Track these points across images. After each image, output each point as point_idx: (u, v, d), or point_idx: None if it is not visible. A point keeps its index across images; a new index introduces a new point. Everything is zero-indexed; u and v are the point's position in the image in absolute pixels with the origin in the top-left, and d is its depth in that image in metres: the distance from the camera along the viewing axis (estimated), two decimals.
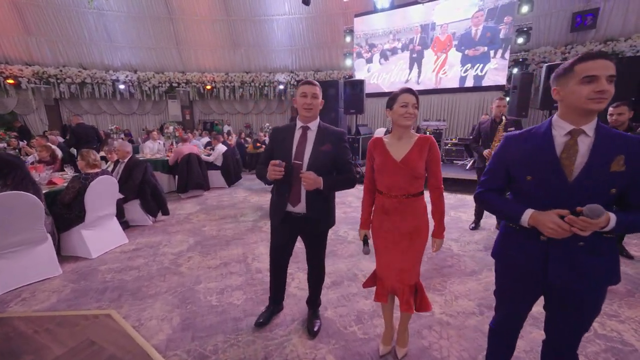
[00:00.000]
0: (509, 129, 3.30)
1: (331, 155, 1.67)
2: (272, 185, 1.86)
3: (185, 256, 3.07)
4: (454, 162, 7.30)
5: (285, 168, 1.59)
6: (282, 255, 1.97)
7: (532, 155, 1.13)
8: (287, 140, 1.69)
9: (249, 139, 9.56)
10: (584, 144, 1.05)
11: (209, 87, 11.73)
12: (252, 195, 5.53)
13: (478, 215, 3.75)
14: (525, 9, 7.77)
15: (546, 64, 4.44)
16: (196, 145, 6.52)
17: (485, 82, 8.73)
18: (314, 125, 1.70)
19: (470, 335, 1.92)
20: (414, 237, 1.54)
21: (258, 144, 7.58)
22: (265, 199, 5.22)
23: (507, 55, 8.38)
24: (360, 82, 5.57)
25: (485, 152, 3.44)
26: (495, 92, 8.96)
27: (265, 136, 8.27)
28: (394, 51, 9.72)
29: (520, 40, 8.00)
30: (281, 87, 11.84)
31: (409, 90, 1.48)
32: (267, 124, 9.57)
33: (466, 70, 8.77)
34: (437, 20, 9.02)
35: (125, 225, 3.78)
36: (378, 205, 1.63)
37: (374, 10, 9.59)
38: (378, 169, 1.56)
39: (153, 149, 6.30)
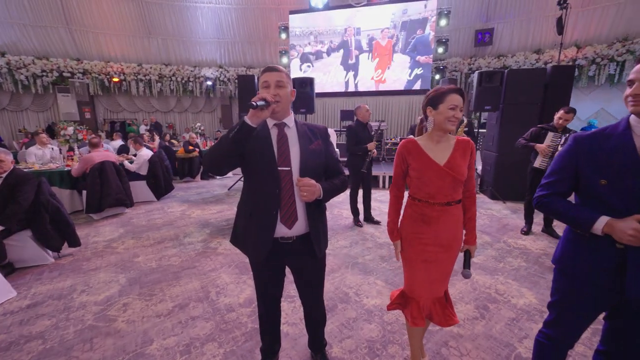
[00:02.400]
0: (464, 129, 3.50)
1: (322, 154, 1.35)
2: (246, 201, 1.33)
3: (118, 304, 2.25)
4: None
5: (270, 176, 1.24)
6: (276, 302, 1.51)
7: (609, 157, 1.01)
8: (263, 141, 1.26)
9: (175, 142, 8.26)
10: None
11: (116, 79, 9.75)
12: (192, 209, 4.67)
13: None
14: (443, 22, 8.73)
15: (478, 71, 4.95)
16: (108, 150, 5.20)
17: (415, 86, 9.53)
18: (289, 121, 1.31)
19: (486, 345, 1.83)
20: (453, 248, 1.40)
21: (191, 147, 6.55)
22: (211, 212, 4.46)
23: (430, 61, 9.31)
24: (310, 80, 5.29)
25: None
26: (422, 96, 9.89)
27: (198, 137, 7.23)
28: (327, 52, 9.79)
29: (440, 49, 8.97)
30: (209, 83, 10.66)
31: (458, 91, 1.29)
32: (199, 124, 8.42)
33: (409, 74, 9.41)
34: (362, 26, 9.44)
35: (10, 269, 2.64)
36: (415, 215, 1.40)
37: (309, 9, 9.43)
38: (418, 175, 1.35)
39: (43, 157, 4.75)
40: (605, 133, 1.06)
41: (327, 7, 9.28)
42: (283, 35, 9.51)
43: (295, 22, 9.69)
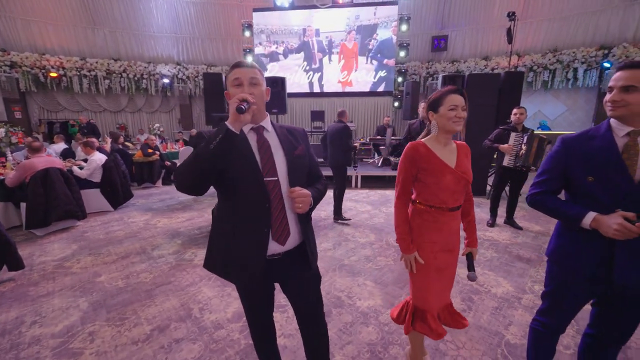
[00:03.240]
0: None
1: (307, 159, 1.23)
2: (224, 217, 1.14)
3: (83, 333, 1.95)
4: (364, 160, 7.88)
5: (257, 189, 1.07)
6: (269, 321, 1.32)
7: (596, 156, 1.11)
8: (242, 150, 1.08)
9: (129, 144, 7.53)
10: (639, 145, 1.08)
11: (54, 74, 8.61)
12: (157, 218, 4.28)
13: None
14: (404, 27, 9.14)
15: (442, 74, 5.25)
16: (51, 155, 4.55)
17: (379, 88, 9.85)
18: (267, 124, 1.16)
19: (477, 335, 1.92)
20: (456, 251, 1.43)
21: (150, 150, 6.00)
22: (179, 220, 4.12)
23: (392, 64, 9.70)
24: (282, 80, 5.15)
25: None
26: (386, 98, 10.25)
27: (157, 140, 6.67)
28: (292, 51, 9.70)
29: (402, 53, 9.39)
30: (165, 80, 9.92)
31: (457, 91, 1.30)
32: (157, 125, 7.76)
33: (374, 76, 9.66)
34: (320, 27, 9.54)
35: None
36: (427, 224, 1.37)
37: (274, 8, 9.25)
38: (434, 181, 1.31)
39: None
40: (589, 134, 1.15)
41: (293, 7, 9.18)
42: (247, 33, 9.20)
43: (263, 19, 9.44)
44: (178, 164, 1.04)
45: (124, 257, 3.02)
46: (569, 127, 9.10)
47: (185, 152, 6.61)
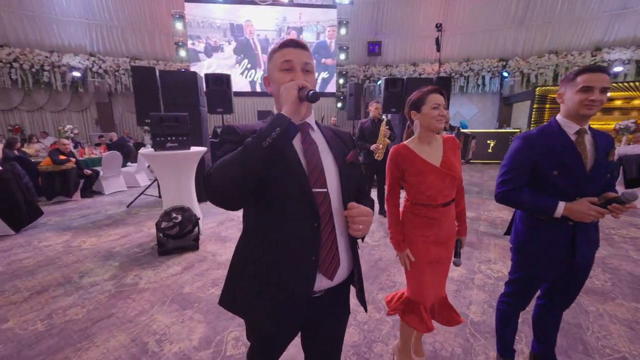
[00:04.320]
0: (386, 127, 3.88)
1: (359, 169, 1.02)
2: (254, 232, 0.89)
3: None
4: None
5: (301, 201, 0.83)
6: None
7: (558, 153, 1.25)
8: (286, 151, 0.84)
9: (28, 151, 6.13)
10: (587, 141, 1.28)
11: None
12: (81, 237, 3.56)
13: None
14: (343, 31, 9.49)
15: (384, 77, 5.58)
16: None
17: (321, 90, 10.03)
18: (312, 121, 0.95)
19: None
20: (450, 244, 1.47)
21: (62, 157, 4.98)
22: (112, 238, 3.50)
23: (334, 66, 9.99)
24: (227, 77, 4.80)
25: (373, 146, 3.90)
26: (330, 98, 10.50)
27: (70, 144, 5.58)
28: (219, 48, 9.17)
29: (342, 56, 9.75)
30: (76, 74, 8.41)
31: (437, 90, 1.35)
32: (70, 126, 6.48)
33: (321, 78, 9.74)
34: (255, 25, 9.35)
35: None
36: (418, 220, 1.41)
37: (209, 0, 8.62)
38: (416, 180, 1.36)
39: None
40: (545, 133, 1.30)
41: (231, 1, 8.70)
42: (178, 25, 8.38)
43: (197, 11, 8.69)
44: (209, 168, 0.75)
45: (40, 292, 2.42)
46: (481, 125, 10.63)
47: (111, 158, 5.68)
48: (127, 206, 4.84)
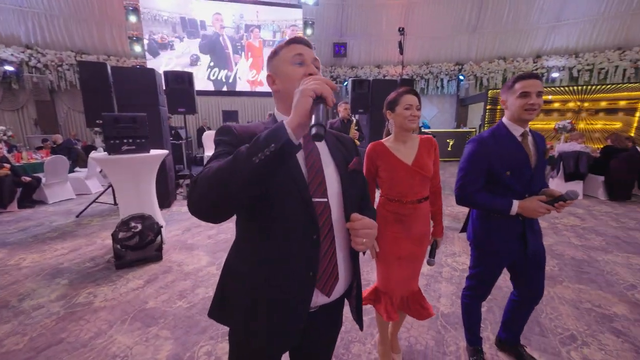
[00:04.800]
0: (355, 127, 3.95)
1: (362, 177, 0.96)
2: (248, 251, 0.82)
3: None
4: None
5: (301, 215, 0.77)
6: None
7: (510, 155, 1.36)
8: None
9: None
10: (530, 142, 1.40)
11: None
12: (19, 253, 3.14)
13: None
14: (309, 31, 9.48)
15: (350, 78, 5.67)
16: None
17: None
18: None
19: None
20: (424, 242, 1.52)
21: None
22: (59, 253, 3.13)
23: None
24: (189, 75, 4.52)
25: None
26: None
27: (3, 148, 4.91)
28: (180, 44, 8.69)
29: None
30: (8, 68, 7.44)
31: (411, 91, 1.40)
32: (3, 127, 5.66)
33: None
34: (206, 20, 8.88)
35: None
36: (388, 215, 1.46)
37: None
38: (388, 176, 1.41)
39: None
40: (495, 135, 1.39)
41: None
42: (132, 18, 7.77)
43: (151, 2, 8.10)
44: (194, 175, 0.67)
45: None
46: (440, 125, 11.28)
47: (55, 163, 5.09)
48: (77, 216, 4.37)
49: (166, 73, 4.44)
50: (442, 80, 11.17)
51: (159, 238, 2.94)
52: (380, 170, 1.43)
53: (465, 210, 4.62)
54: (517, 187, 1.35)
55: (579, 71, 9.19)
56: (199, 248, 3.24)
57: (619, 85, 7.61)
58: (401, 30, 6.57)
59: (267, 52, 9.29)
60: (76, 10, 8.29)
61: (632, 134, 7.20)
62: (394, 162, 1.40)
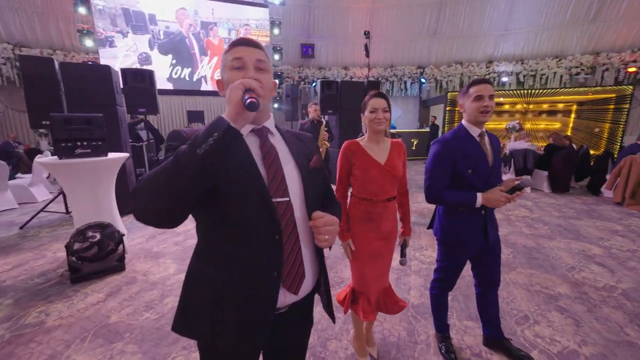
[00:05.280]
0: (325, 129, 4.01)
1: (323, 175, 0.96)
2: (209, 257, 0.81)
3: None
4: None
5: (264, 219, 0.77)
6: None
7: (471, 154, 1.48)
8: (241, 158, 0.76)
9: None
10: (486, 142, 1.54)
11: None
12: None
13: None
14: (276, 31, 9.40)
15: (319, 80, 5.72)
16: None
17: None
18: (271, 125, 0.87)
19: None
20: (392, 239, 1.59)
21: None
22: (1, 269, 2.79)
23: None
24: (149, 73, 4.25)
25: None
26: None
27: None
28: (122, 41, 8.00)
29: (277, 56, 9.65)
30: None
31: (378, 95, 1.45)
32: None
33: None
34: (157, 15, 8.30)
35: None
36: (360, 213, 1.51)
37: None
38: (362, 174, 1.46)
39: None
40: (457, 137, 1.51)
41: None
42: (82, 10, 7.13)
43: None
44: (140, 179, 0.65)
45: None
46: (405, 126, 11.80)
47: None
48: (21, 227, 3.93)
49: (124, 71, 4.14)
50: (405, 82, 11.68)
51: (120, 247, 2.75)
52: (354, 168, 1.48)
53: (430, 206, 4.89)
54: (477, 184, 1.47)
55: (524, 76, 10.14)
56: (165, 256, 3.08)
57: (557, 90, 8.53)
58: (367, 34, 6.78)
59: None
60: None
61: (569, 133, 8.12)
62: (368, 161, 1.46)
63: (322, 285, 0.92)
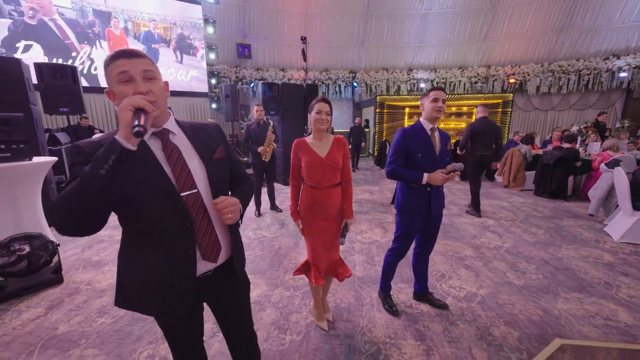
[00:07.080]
0: (272, 129, 4.20)
1: (227, 162, 1.09)
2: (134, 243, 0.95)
3: None
4: None
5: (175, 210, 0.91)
6: (200, 350, 1.16)
7: (422, 142, 1.92)
8: (145, 163, 0.86)
9: None
10: (436, 136, 1.97)
11: None
12: None
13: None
14: (210, 29, 9.09)
15: (260, 81, 5.84)
16: None
17: (194, 89, 9.26)
18: (172, 125, 0.96)
19: (374, 276, 2.64)
20: (337, 219, 1.87)
21: None
22: None
23: (204, 65, 9.42)
24: (72, 69, 3.77)
25: (260, 149, 4.12)
26: (202, 98, 9.82)
27: None
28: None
29: (212, 55, 9.32)
30: None
31: (324, 100, 1.74)
32: None
33: (185, 75, 8.74)
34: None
35: None
36: (308, 198, 1.80)
37: None
38: (307, 166, 1.75)
39: None
40: (414, 129, 1.94)
41: None
42: None
43: None
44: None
45: None
46: (340, 126, 12.57)
47: None
48: None
49: (39, 65, 3.61)
50: (339, 85, 12.48)
51: (56, 258, 2.52)
52: (302, 161, 1.77)
53: (367, 197, 5.51)
54: (425, 166, 1.89)
55: (437, 83, 11.86)
56: (109, 263, 2.90)
57: (461, 95, 10.25)
58: (303, 39, 7.15)
59: (130, 42, 8.19)
60: None
61: None
62: (311, 155, 1.75)
63: (238, 254, 1.09)
